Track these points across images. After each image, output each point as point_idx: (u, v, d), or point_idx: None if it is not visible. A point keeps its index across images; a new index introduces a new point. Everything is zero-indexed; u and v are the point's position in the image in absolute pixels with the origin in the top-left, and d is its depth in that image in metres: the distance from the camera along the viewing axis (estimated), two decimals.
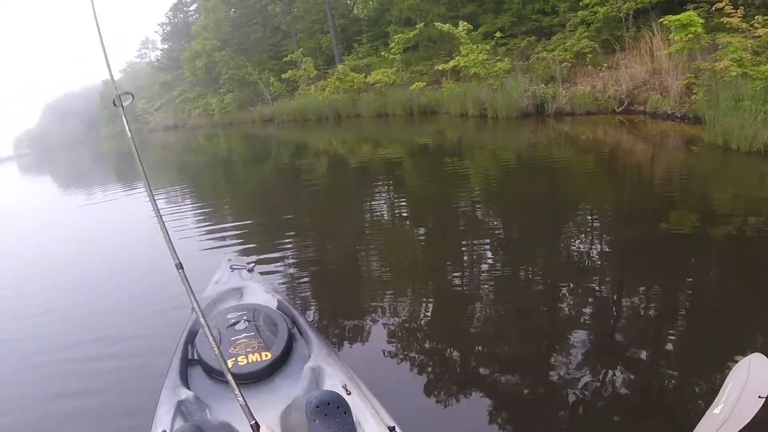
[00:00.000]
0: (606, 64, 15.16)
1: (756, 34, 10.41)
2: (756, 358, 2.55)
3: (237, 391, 2.10)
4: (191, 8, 51.93)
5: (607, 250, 5.92)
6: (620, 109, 13.77)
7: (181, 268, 2.54)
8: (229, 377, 2.15)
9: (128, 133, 2.94)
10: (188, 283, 2.51)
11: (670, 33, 12.71)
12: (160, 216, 2.71)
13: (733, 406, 2.35)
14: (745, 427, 2.23)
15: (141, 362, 4.45)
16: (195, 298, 2.49)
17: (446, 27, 19.18)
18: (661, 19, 12.26)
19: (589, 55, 15.71)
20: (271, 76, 33.39)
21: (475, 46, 18.30)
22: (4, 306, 6.69)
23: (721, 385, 2.53)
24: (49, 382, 4.54)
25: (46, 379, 4.62)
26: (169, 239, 2.66)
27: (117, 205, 13.58)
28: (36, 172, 37.62)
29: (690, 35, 11.58)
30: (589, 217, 7.14)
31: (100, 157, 39.72)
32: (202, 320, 2.38)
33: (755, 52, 10.14)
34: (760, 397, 2.34)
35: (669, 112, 12.22)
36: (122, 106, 2.97)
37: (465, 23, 18.89)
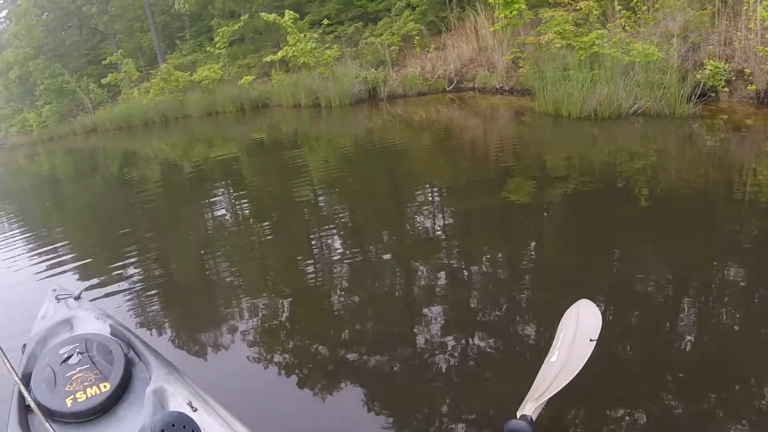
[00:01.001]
0: (433, 46, 15.26)
1: (576, 8, 10.64)
2: (583, 304, 2.75)
3: None
4: (0, 15, 47.69)
5: (451, 223, 6.04)
6: (450, 87, 13.92)
7: None
8: None
9: None
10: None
11: (494, 11, 12.87)
12: None
13: (568, 352, 2.50)
14: (582, 369, 2.37)
15: None
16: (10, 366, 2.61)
17: (272, 17, 18.41)
18: None
19: (417, 38, 15.72)
20: (90, 83, 31.03)
21: (302, 35, 17.77)
22: None
23: (554, 334, 2.71)
24: None
25: None
26: None
27: None
28: None
29: (514, 12, 11.67)
30: (431, 194, 7.26)
31: None
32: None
33: (576, 24, 10.42)
34: (591, 340, 2.51)
35: (497, 86, 12.46)
36: None
37: (291, 12, 18.24)
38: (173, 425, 2.12)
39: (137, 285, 6.03)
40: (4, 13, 46.15)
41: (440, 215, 6.28)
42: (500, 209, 5.92)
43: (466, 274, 4.68)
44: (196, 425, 2.20)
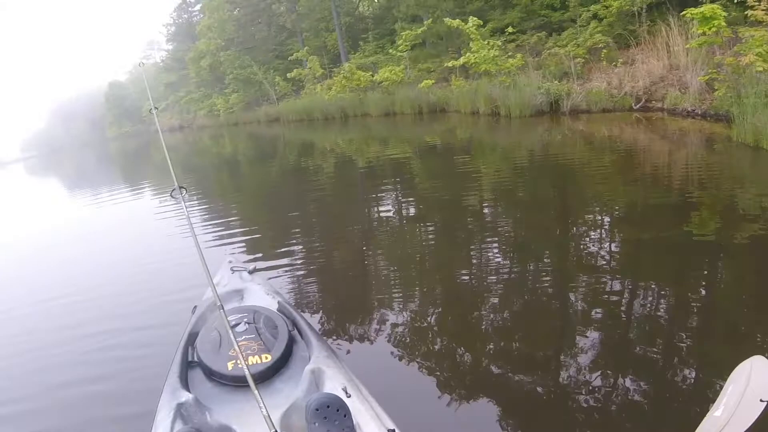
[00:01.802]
0: (621, 60, 14.75)
1: None
2: (758, 361, 2.50)
3: (258, 398, 2.10)
4: (195, 8, 51.78)
5: (620, 251, 5.78)
6: (637, 106, 13.30)
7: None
8: (252, 384, 2.19)
9: (163, 146, 3.71)
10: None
11: (689, 27, 12.39)
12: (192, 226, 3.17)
13: (734, 409, 2.32)
14: (746, 431, 2.19)
15: (143, 363, 4.49)
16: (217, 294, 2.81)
17: (456, 23, 18.67)
18: (683, 12, 11.79)
19: (604, 51, 15.30)
20: (276, 76, 33.17)
21: (485, 42, 17.89)
22: (17, 295, 7.15)
23: (722, 387, 2.46)
24: (54, 373, 4.70)
25: (51, 369, 4.79)
26: (200, 250, 3.12)
27: (121, 205, 13.90)
28: (42, 174, 37.53)
29: (713, 29, 11.13)
30: (604, 218, 6.94)
31: (107, 158, 39.81)
32: (222, 315, 2.67)
33: None
34: (761, 400, 2.30)
35: (689, 109, 11.78)
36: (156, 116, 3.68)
37: (474, 18, 18.38)
38: (328, 406, 2.18)
39: (303, 268, 6.41)
40: (198, 6, 50.16)
41: (608, 241, 6.06)
42: (676, 243, 5.54)
43: (627, 307, 4.44)
44: (348, 410, 2.23)
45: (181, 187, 3.74)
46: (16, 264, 9.41)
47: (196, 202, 12.22)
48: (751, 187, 7.37)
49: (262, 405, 2.10)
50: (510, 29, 18.47)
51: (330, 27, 31.45)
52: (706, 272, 5.18)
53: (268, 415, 2.06)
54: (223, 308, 2.90)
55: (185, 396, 2.69)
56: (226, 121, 39.26)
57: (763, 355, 2.50)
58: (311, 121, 27.74)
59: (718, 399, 2.41)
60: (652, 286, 4.79)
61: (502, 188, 9.02)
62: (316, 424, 2.15)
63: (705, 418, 2.36)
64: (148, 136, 49.07)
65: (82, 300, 6.57)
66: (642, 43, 14.76)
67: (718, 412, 2.35)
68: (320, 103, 27.09)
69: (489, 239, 6.56)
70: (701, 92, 11.75)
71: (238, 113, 37.65)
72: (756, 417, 2.22)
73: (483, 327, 4.42)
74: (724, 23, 11.09)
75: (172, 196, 3.62)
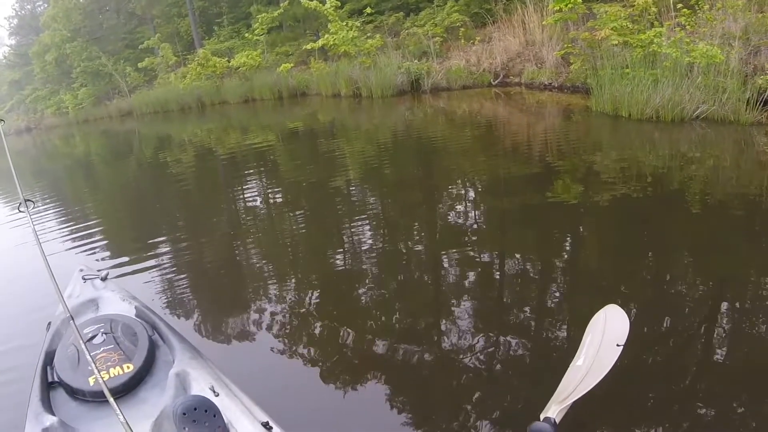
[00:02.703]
0: (478, 38, 14.86)
1: (632, 3, 10.30)
2: (611, 309, 2.77)
3: (118, 411, 1.98)
4: None
5: (487, 221, 5.95)
6: (496, 81, 13.54)
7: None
8: (110, 399, 2.08)
9: (7, 155, 3.56)
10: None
11: (544, 4, 12.62)
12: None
13: (594, 356, 2.52)
14: (607, 374, 2.38)
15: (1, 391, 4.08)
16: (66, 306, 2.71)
17: (313, 4, 18.17)
18: None
19: (461, 30, 15.34)
20: (127, 66, 31.31)
21: (344, 24, 17.55)
22: None
23: (581, 338, 2.71)
24: None
25: None
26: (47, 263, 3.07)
27: None
28: None
29: (569, 5, 11.35)
30: (469, 191, 7.08)
31: None
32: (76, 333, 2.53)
33: (632, 21, 10.07)
34: (617, 345, 2.52)
35: (546, 82, 12.12)
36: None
37: (333, 0, 18.04)
38: (195, 408, 2.15)
39: (164, 269, 6.07)
40: None
41: (475, 212, 6.20)
42: (539, 209, 5.78)
43: (496, 272, 4.63)
44: (217, 409, 2.21)
45: (27, 200, 3.58)
46: None
47: (45, 211, 11.05)
48: (611, 151, 7.71)
49: (122, 419, 2.00)
50: (368, 10, 18.29)
51: (183, 12, 29.99)
52: (568, 234, 5.42)
53: (130, 429, 1.97)
54: (74, 321, 2.70)
55: (49, 420, 2.53)
56: (75, 118, 36.65)
57: (617, 303, 2.79)
58: (167, 113, 26.42)
59: (579, 349, 2.63)
60: (518, 252, 4.94)
61: (368, 169, 8.98)
62: (186, 429, 2.10)
63: (569, 368, 2.54)
64: None
65: None
66: (498, 21, 14.92)
67: (579, 361, 2.53)
68: (175, 93, 25.78)
69: (358, 220, 6.50)
70: (557, 66, 12.08)
71: (88, 109, 35.19)
72: (614, 361, 2.43)
73: (359, 308, 4.39)
74: (580, 0, 11.31)
75: (19, 210, 3.45)
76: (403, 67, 15.15)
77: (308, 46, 19.12)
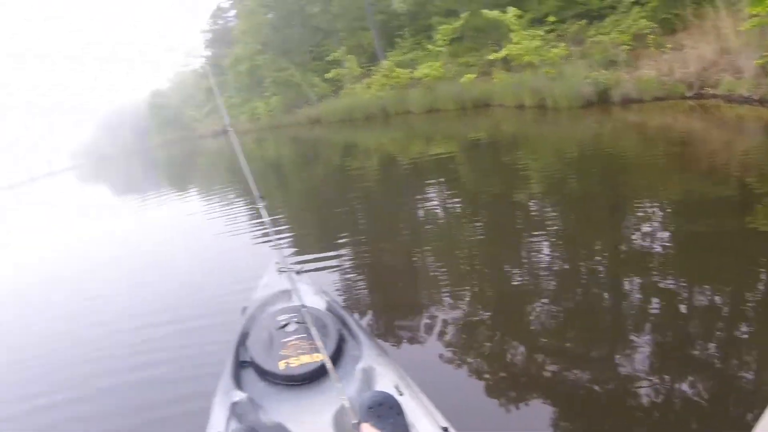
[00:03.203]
0: (670, 45, 14.24)
1: None
2: None
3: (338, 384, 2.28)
4: (230, 14, 52.21)
5: (676, 246, 5.55)
6: (691, 93, 12.78)
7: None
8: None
9: (238, 152, 3.95)
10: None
11: (738, 8, 12.03)
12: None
13: None
14: None
15: (195, 362, 4.77)
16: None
17: (494, 14, 18.42)
18: None
19: (651, 36, 14.82)
20: (314, 77, 33.29)
21: (526, 33, 17.61)
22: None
23: None
24: (110, 371, 5.12)
25: (106, 366, 5.28)
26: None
27: (170, 209, 15.20)
28: (96, 181, 39.53)
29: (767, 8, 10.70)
30: (659, 213, 6.66)
31: (154, 165, 41.64)
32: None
33: None
34: None
35: (745, 95, 11.28)
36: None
37: (514, 9, 18.07)
38: (381, 404, 2.19)
39: (350, 268, 6.60)
40: (233, 12, 50.60)
41: (663, 236, 5.82)
42: (736, 238, 5.32)
43: (682, 303, 4.32)
44: (402, 409, 2.23)
45: (261, 197, 3.94)
46: (67, 263, 10.79)
47: (240, 204, 12.65)
48: None
49: (343, 395, 2.22)
50: (551, 18, 18.18)
51: (365, 26, 31.31)
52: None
53: (349, 405, 2.20)
54: (270, 309, 3.11)
55: (239, 395, 2.76)
56: (267, 124, 39.60)
57: None
58: (352, 121, 27.74)
59: None
60: (710, 283, 4.60)
61: (550, 183, 8.82)
62: (370, 423, 2.16)
63: (762, 417, 2.19)
64: (191, 143, 50.82)
65: (135, 300, 7.13)
66: (689, 27, 14.33)
67: None
68: (360, 103, 27.11)
69: (539, 235, 6.47)
70: (757, 77, 11.37)
71: (279, 116, 37.88)
72: None
73: (535, 325, 4.40)
74: None
75: (255, 204, 3.69)
76: (590, 77, 14.78)
77: (491, 57, 19.31)
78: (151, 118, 66.55)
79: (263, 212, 3.56)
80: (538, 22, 18.99)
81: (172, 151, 47.46)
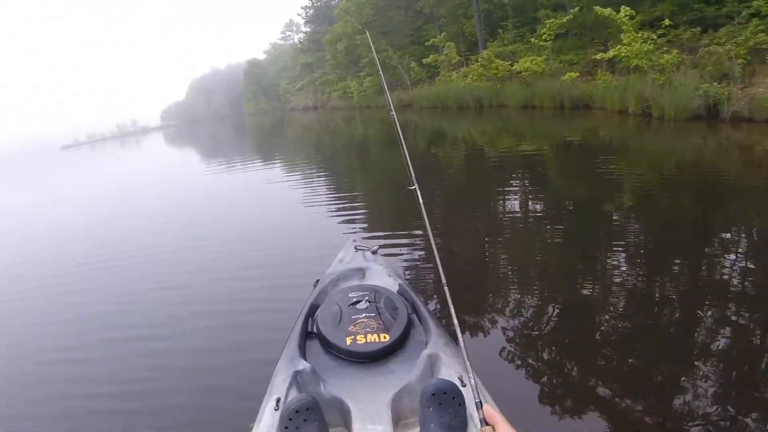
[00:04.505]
0: None
1: None
2: None
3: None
4: None
5: (760, 281, 5.28)
6: None
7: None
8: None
9: (399, 135, 3.91)
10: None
11: None
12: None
13: None
14: None
15: (262, 331, 5.06)
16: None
17: (607, 11, 17.73)
18: None
19: None
20: (411, 61, 33.34)
21: (638, 35, 16.96)
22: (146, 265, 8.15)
23: None
24: (185, 315, 5.83)
25: (185, 309, 6.00)
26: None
27: (254, 175, 15.67)
28: (181, 144, 40.86)
29: None
30: (749, 243, 6.42)
31: (245, 131, 42.99)
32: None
33: None
34: None
35: None
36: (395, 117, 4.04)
37: (627, 8, 17.32)
38: (445, 393, 2.19)
39: (425, 254, 6.64)
40: None
41: (749, 268, 5.55)
42: None
43: (756, 338, 4.21)
44: (464, 400, 2.23)
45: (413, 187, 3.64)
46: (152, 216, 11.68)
47: (324, 179, 13.16)
48: None
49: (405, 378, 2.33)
50: (667, 21, 17.31)
51: (469, 13, 31.14)
52: None
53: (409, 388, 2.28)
54: (343, 284, 3.17)
55: (302, 365, 2.81)
56: (358, 103, 40.09)
57: None
58: (444, 109, 27.73)
59: None
60: None
61: (640, 197, 8.61)
62: (431, 409, 2.18)
63: None
64: (282, 114, 52.45)
65: (208, 264, 7.62)
66: None
67: None
68: (455, 91, 27.03)
69: (618, 250, 6.38)
70: None
71: (371, 97, 38.25)
72: None
73: (599, 340, 4.41)
74: None
75: (407, 188, 3.61)
76: (701, 88, 14.05)
77: (597, 56, 18.69)
78: (246, 86, 68.18)
79: (417, 195, 3.40)
80: (648, 25, 18.35)
81: (263, 121, 49.08)
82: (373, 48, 5.58)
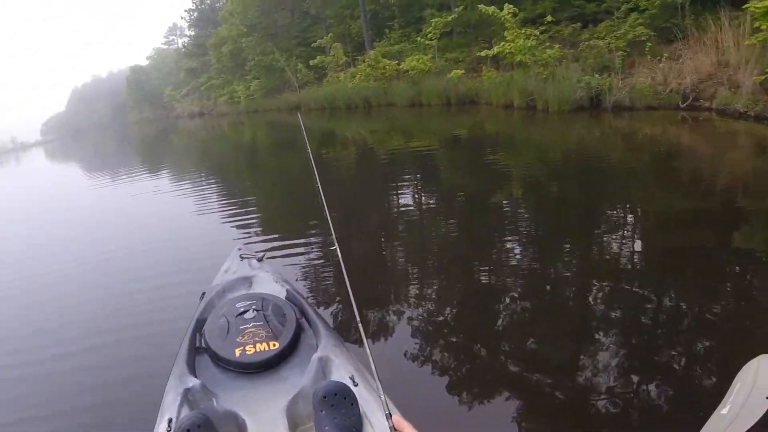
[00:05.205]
0: (666, 54, 13.83)
1: None
2: (764, 359, 2.58)
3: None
4: None
5: (645, 256, 5.61)
6: (684, 104, 12.50)
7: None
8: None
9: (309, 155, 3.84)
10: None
11: (741, 21, 11.67)
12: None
13: (741, 407, 2.39)
14: (752, 427, 2.24)
15: (149, 349, 4.71)
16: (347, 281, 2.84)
17: (491, 10, 17.77)
18: (746, 5, 11.01)
19: (648, 44, 14.35)
20: (298, 63, 32.67)
21: (521, 31, 17.10)
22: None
23: (729, 386, 2.57)
24: (59, 348, 5.09)
25: (58, 345, 5.20)
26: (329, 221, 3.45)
27: (136, 187, 14.51)
28: (63, 158, 38.42)
29: None
30: (635, 223, 6.72)
31: (127, 142, 41.40)
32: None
33: None
34: (767, 398, 2.34)
35: (741, 110, 10.94)
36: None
37: (510, 6, 17.42)
38: (335, 394, 2.24)
39: (313, 258, 6.48)
40: None
41: (635, 245, 5.83)
42: (713, 252, 5.34)
43: (648, 310, 4.38)
44: (356, 399, 2.30)
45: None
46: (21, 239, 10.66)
47: (211, 187, 12.60)
48: None
49: (297, 384, 2.36)
50: (549, 18, 17.59)
51: (355, 14, 30.78)
52: (732, 280, 4.93)
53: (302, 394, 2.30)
54: (229, 295, 3.10)
55: (192, 381, 2.74)
56: (246, 108, 38.99)
57: None
58: (333, 110, 27.35)
59: (725, 397, 2.52)
60: (672, 291, 4.76)
61: (529, 185, 8.78)
62: (323, 412, 2.22)
63: (712, 416, 2.46)
64: (167, 122, 50.97)
65: (90, 281, 7.07)
66: (688, 38, 13.95)
67: (724, 410, 2.44)
68: (343, 92, 26.60)
69: (510, 237, 6.49)
70: (755, 93, 11.00)
71: (258, 100, 37.26)
72: (761, 414, 2.29)
73: (499, 324, 4.44)
74: None
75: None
76: (583, 81, 14.36)
77: (482, 53, 18.68)
78: (129, 93, 65.40)
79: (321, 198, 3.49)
80: (530, 21, 18.58)
81: (148, 130, 47.39)
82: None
